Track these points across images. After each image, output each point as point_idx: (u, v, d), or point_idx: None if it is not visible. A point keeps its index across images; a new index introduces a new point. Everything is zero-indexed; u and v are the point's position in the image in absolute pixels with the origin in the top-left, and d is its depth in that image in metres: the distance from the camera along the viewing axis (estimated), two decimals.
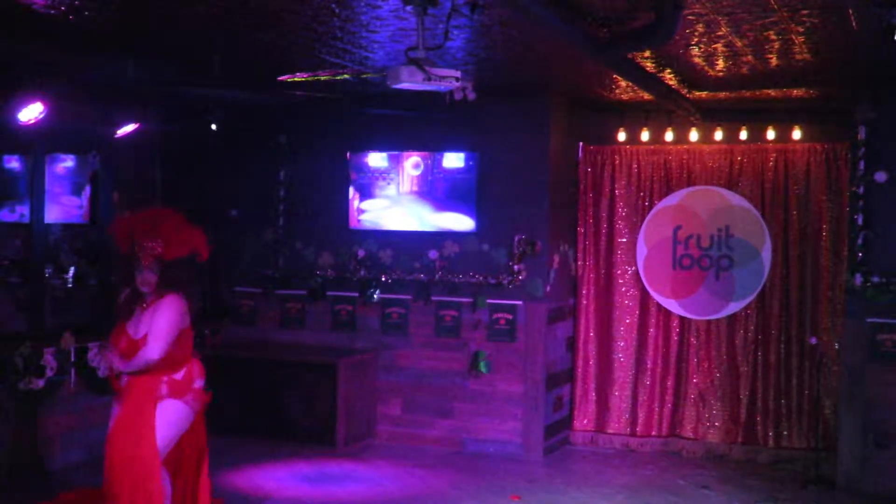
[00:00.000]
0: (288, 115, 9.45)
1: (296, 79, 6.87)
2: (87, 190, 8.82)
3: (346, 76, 7.09)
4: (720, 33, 6.01)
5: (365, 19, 5.76)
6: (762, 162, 8.87)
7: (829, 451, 8.28)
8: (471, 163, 8.87)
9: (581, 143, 9.34)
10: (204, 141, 9.31)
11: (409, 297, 9.15)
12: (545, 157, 8.73)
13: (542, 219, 8.75)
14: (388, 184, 9.15)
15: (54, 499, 6.82)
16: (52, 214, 8.45)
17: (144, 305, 5.89)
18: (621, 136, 9.20)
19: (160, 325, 5.79)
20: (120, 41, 6.45)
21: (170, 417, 5.83)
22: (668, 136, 9.05)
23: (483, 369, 8.85)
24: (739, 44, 6.28)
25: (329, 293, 9.43)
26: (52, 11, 5.58)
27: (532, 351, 8.78)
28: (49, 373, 7.58)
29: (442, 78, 5.01)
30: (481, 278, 8.87)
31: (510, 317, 8.83)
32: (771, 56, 6.65)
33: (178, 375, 5.89)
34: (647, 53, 6.67)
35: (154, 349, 5.74)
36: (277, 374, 8.96)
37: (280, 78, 6.94)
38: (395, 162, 9.13)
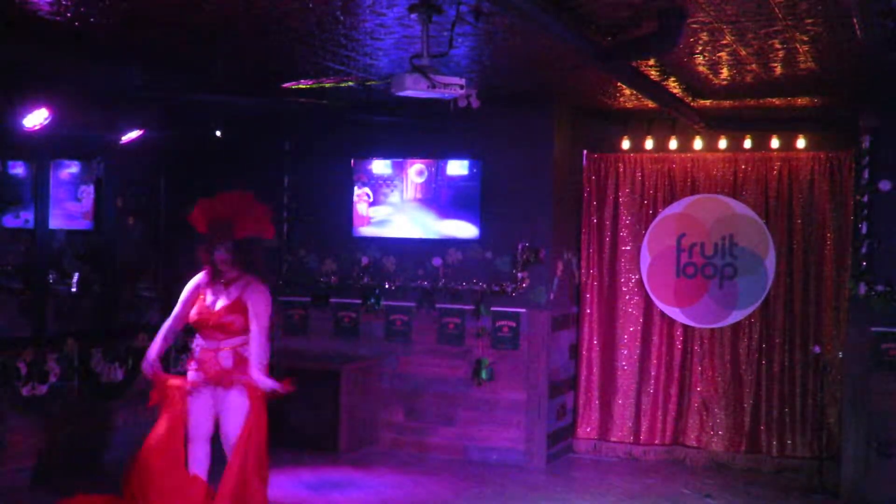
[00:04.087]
0: (292, 122, 9.46)
1: (300, 86, 6.88)
2: (85, 192, 8.79)
3: (350, 83, 7.09)
4: (724, 42, 6.01)
5: (369, 27, 5.76)
6: (766, 170, 8.86)
7: (832, 460, 8.26)
8: (475, 170, 8.87)
9: (585, 151, 9.34)
10: (208, 147, 9.30)
11: (412, 304, 9.14)
12: (549, 164, 8.73)
13: (546, 226, 8.74)
14: (392, 191, 9.15)
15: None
16: (57, 220, 8.45)
17: (223, 282, 6.40)
18: (625, 144, 9.19)
19: (261, 317, 6.37)
20: (125, 48, 6.46)
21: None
22: (672, 144, 9.05)
23: (484, 376, 8.83)
24: (744, 52, 6.28)
25: (332, 300, 9.42)
26: (58, 18, 5.60)
27: (535, 358, 8.76)
28: (52, 378, 7.58)
29: (446, 85, 5.02)
30: (485, 286, 8.86)
31: (513, 324, 8.81)
32: (775, 65, 6.65)
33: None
34: (652, 62, 6.67)
35: (261, 341, 6.38)
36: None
37: (284, 85, 6.95)
38: (399, 169, 9.13)
